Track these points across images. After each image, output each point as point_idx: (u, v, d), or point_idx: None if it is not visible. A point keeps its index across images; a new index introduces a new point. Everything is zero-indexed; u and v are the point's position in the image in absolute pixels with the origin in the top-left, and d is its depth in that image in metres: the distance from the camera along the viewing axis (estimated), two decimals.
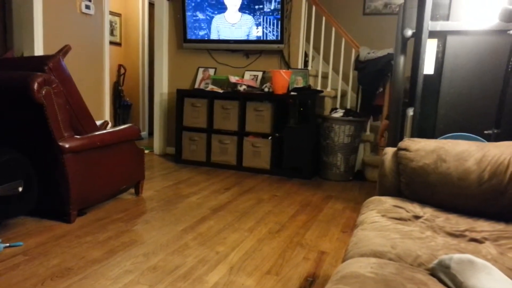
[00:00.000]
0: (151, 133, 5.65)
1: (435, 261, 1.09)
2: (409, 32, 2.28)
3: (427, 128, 2.28)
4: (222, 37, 4.27)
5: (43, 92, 2.14)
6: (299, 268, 1.97)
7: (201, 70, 4.50)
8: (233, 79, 4.11)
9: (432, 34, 2.26)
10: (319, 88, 4.20)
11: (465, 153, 1.59)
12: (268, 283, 1.80)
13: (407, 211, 1.52)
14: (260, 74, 4.25)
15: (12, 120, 2.33)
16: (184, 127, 4.25)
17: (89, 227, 2.36)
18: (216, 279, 1.82)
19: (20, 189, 2.06)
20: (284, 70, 3.96)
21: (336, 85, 4.30)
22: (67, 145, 2.28)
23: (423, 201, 1.61)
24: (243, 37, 4.19)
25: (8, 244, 2.01)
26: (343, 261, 1.24)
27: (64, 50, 2.55)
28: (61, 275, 1.77)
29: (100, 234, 2.26)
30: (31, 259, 1.92)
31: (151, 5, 5.82)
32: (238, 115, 4.02)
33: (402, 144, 1.71)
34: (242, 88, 4.04)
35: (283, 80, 3.87)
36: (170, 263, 1.96)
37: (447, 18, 2.35)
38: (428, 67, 2.31)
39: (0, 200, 1.97)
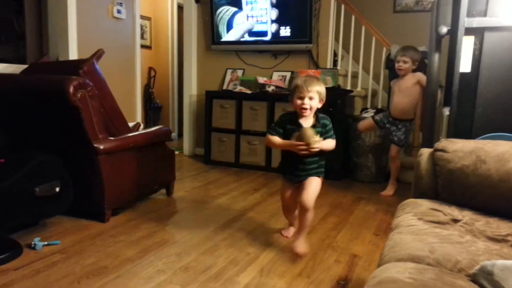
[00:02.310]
0: (180, 134, 5.72)
1: (477, 267, 1.05)
2: (444, 30, 2.21)
3: (464, 128, 2.20)
4: (249, 39, 4.28)
5: (79, 95, 2.20)
6: (331, 271, 1.94)
7: (229, 71, 4.52)
8: (261, 80, 4.10)
9: (469, 31, 2.18)
10: (348, 87, 4.14)
11: (506, 154, 1.52)
12: (299, 286, 1.78)
13: (445, 214, 1.47)
14: (288, 74, 4.23)
15: (48, 122, 2.40)
16: (213, 128, 4.28)
17: (123, 226, 2.41)
18: (247, 280, 1.81)
19: (57, 189, 2.13)
20: (312, 70, 3.92)
21: (367, 85, 4.23)
22: (101, 147, 2.34)
23: (462, 204, 1.55)
24: (269, 38, 4.18)
25: (46, 243, 2.08)
26: (379, 265, 1.21)
27: (98, 54, 2.61)
28: (97, 274, 1.82)
29: (133, 233, 2.31)
30: (68, 258, 1.97)
31: (180, 8, 5.90)
32: (266, 116, 4.02)
33: (439, 145, 1.66)
34: (270, 88, 4.04)
35: None
36: (202, 263, 1.97)
37: (484, 14, 2.26)
38: (465, 65, 2.22)
39: (38, 200, 2.04)
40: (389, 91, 3.63)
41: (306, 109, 2.01)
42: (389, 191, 3.33)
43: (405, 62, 3.11)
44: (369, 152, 3.72)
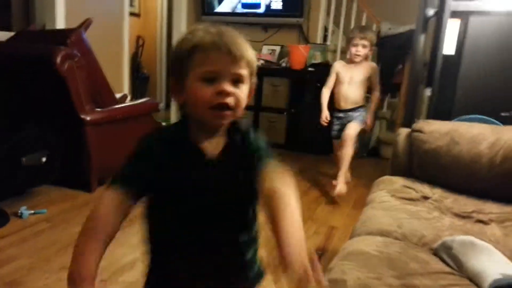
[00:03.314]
0: (168, 105, 5.72)
1: (439, 242, 1.13)
2: (430, 12, 2.23)
3: (444, 110, 2.26)
4: (243, 10, 4.24)
5: (66, 65, 2.20)
6: (310, 242, 2.03)
7: None
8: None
9: (455, 14, 2.21)
10: None
11: (479, 136, 1.59)
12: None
13: (417, 192, 1.55)
14: (278, 48, 4.23)
15: (35, 92, 2.40)
16: None
17: None
18: None
19: (44, 159, 2.15)
20: (302, 45, 3.93)
21: None
22: (88, 118, 2.36)
23: (434, 182, 1.64)
24: (262, 10, 4.14)
25: (33, 211, 2.12)
26: (351, 238, 1.29)
27: (86, 24, 2.59)
28: None
29: None
30: (54, 226, 2.02)
31: None
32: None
33: (416, 125, 1.72)
34: (259, 62, 4.04)
35: (301, 55, 3.84)
36: None
37: None
38: (449, 48, 2.26)
39: (24, 170, 2.07)
40: None
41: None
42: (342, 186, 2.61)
43: (364, 46, 2.55)
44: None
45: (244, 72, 0.77)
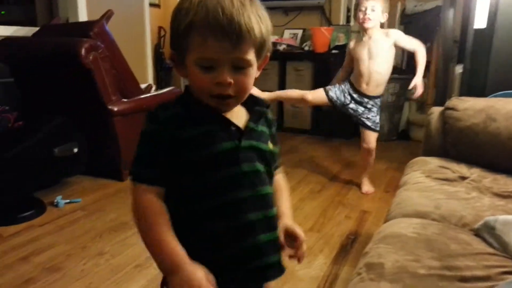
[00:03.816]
0: None
1: (480, 222, 1.09)
2: None
3: (477, 86, 2.17)
4: None
5: (90, 57, 2.22)
6: (341, 226, 2.01)
7: None
8: (272, 38, 4.04)
9: None
10: None
11: None
12: (310, 240, 1.86)
13: (453, 172, 1.50)
14: (300, 32, 4.16)
15: (62, 85, 2.44)
16: None
17: None
18: None
19: (75, 150, 2.20)
20: (325, 28, 3.84)
21: None
22: (115, 109, 2.38)
23: (471, 162, 1.58)
24: None
25: (68, 201, 2.18)
26: (385, 221, 1.26)
27: (107, 15, 2.60)
28: (117, 229, 1.92)
29: None
30: (89, 214, 2.07)
31: None
32: (278, 75, 3.99)
33: (449, 103, 1.66)
34: (281, 47, 3.98)
35: (324, 37, 3.77)
36: None
37: None
38: (480, 21, 2.16)
39: (58, 160, 2.12)
40: None
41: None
42: (369, 186, 2.50)
43: (373, 9, 2.20)
44: (382, 111, 3.70)
45: (249, 56, 0.68)
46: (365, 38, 2.29)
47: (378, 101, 2.40)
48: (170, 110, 0.73)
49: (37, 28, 2.90)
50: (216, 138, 0.72)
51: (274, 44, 4.03)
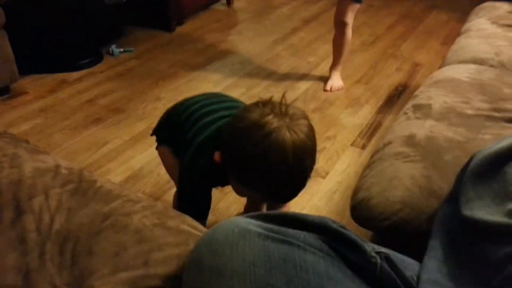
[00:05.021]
0: None
1: None
2: None
3: None
4: None
5: None
6: (390, 79, 1.98)
7: None
8: None
9: None
10: None
11: None
12: (358, 91, 1.87)
13: None
14: None
15: None
16: None
17: (188, 36, 2.51)
18: (307, 86, 1.92)
19: None
20: None
21: None
22: None
23: None
24: None
25: (122, 49, 2.26)
26: (440, 68, 1.23)
27: None
28: (171, 77, 2.01)
29: (198, 43, 2.41)
30: (143, 63, 2.16)
31: None
32: None
33: None
34: None
35: None
36: (264, 70, 2.08)
37: None
38: None
39: (108, 10, 2.13)
40: None
41: None
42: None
43: None
44: None
45: None
46: None
47: None
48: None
49: None
50: None
51: None
